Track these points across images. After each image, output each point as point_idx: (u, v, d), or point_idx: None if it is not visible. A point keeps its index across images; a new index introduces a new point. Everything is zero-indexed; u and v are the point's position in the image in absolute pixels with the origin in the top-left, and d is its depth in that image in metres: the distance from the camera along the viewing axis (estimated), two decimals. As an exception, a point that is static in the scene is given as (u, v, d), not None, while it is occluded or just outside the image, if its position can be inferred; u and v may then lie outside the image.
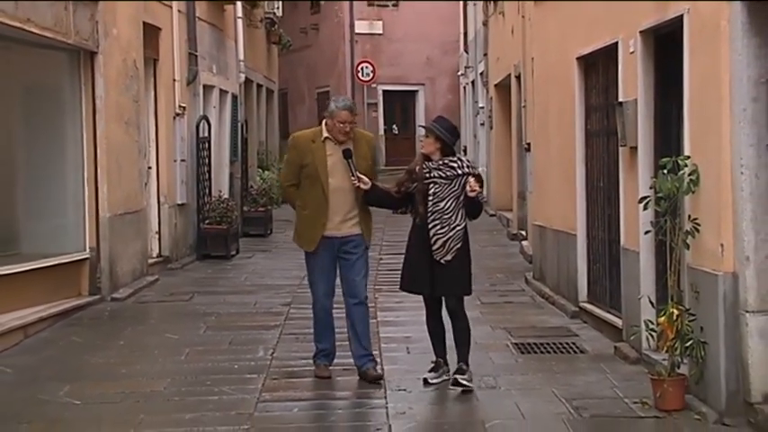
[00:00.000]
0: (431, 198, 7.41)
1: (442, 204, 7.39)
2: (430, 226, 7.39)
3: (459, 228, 7.41)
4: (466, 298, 7.69)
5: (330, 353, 7.92)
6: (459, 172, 7.41)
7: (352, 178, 7.48)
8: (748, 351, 6.40)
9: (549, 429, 6.55)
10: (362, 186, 7.50)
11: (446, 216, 7.38)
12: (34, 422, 6.84)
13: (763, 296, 6.41)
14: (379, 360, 8.11)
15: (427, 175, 7.46)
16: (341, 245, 7.69)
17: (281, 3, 24.62)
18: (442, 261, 7.40)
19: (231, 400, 7.30)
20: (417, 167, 7.54)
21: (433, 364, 7.70)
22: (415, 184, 7.51)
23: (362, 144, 7.75)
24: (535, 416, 6.88)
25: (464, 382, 7.35)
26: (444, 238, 7.38)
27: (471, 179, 7.31)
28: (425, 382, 7.58)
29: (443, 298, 7.62)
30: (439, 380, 7.57)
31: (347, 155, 7.49)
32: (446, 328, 7.71)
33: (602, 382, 7.74)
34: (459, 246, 7.42)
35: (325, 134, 7.65)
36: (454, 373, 7.48)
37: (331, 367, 7.92)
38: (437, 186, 7.41)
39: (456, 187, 7.39)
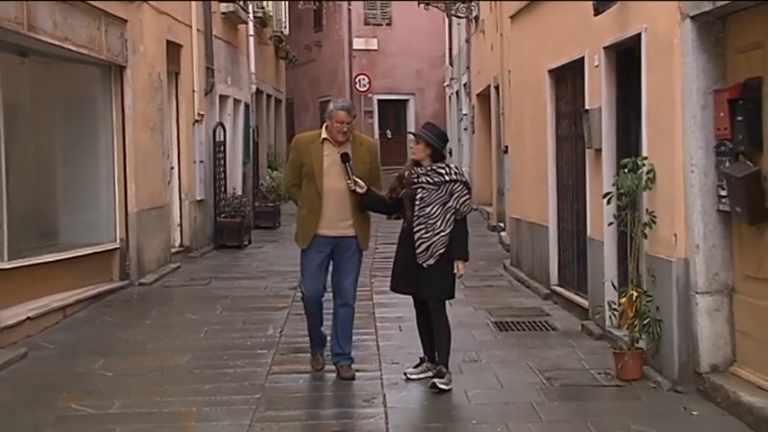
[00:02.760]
0: (417, 203, 6.79)
1: (428, 209, 6.76)
2: (415, 230, 6.78)
3: (443, 234, 6.74)
4: None
5: (324, 339, 7.39)
6: (447, 178, 6.79)
7: (348, 182, 6.88)
8: (698, 327, 6.44)
9: (524, 397, 6.55)
10: (358, 190, 6.90)
11: (431, 221, 6.75)
12: (72, 392, 6.85)
13: (710, 279, 6.44)
14: (374, 337, 8.11)
15: (415, 180, 6.84)
16: (334, 244, 7.03)
17: (287, 22, 24.59)
18: (424, 265, 6.79)
19: (244, 373, 7.32)
20: (407, 172, 6.94)
21: (419, 360, 7.14)
22: (404, 189, 6.92)
23: (362, 149, 7.07)
24: (512, 385, 6.90)
25: (441, 386, 6.71)
26: (428, 243, 6.74)
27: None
28: (405, 375, 7.05)
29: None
30: (418, 376, 7.02)
31: (344, 158, 6.89)
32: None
33: (570, 355, 7.77)
34: (442, 251, 6.76)
35: (324, 135, 7.01)
36: (433, 376, 6.82)
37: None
38: (424, 191, 6.79)
39: (443, 193, 6.77)
